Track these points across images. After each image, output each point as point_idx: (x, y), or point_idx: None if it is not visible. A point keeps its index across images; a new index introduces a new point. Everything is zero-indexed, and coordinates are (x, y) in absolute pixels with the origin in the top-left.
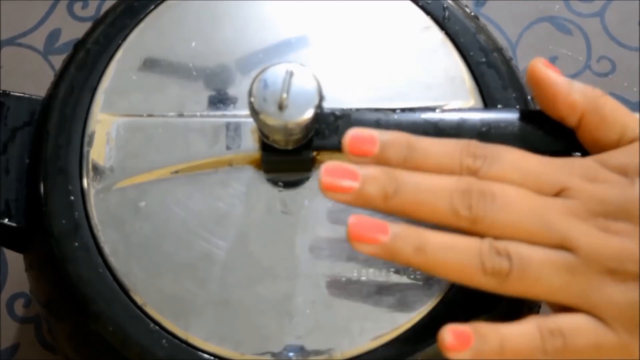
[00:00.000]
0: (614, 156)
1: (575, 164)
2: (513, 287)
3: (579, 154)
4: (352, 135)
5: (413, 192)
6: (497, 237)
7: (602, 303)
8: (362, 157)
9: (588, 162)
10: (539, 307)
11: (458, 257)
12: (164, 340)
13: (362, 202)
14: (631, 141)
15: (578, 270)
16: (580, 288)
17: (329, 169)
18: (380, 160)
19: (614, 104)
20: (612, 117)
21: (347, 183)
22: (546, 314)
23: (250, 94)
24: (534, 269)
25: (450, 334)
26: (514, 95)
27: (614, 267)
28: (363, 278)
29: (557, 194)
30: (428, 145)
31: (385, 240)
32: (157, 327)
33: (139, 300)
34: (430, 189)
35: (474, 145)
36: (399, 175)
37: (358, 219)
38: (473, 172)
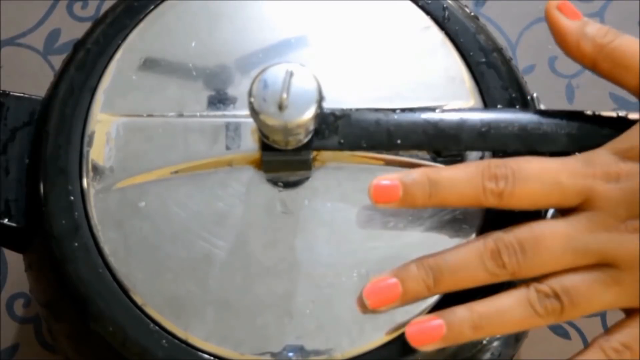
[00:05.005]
0: (629, 141)
1: (595, 162)
2: (572, 316)
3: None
4: (375, 186)
5: (451, 273)
6: (540, 278)
7: None
8: (389, 204)
9: (606, 157)
10: None
11: (512, 315)
12: (164, 340)
13: (411, 301)
14: None
15: (624, 279)
16: (633, 293)
17: (368, 291)
18: (406, 202)
19: (626, 48)
20: (624, 63)
21: (390, 295)
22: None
23: (250, 94)
24: (583, 296)
25: None
26: (513, 95)
27: None
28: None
29: (583, 202)
30: (448, 176)
31: (443, 334)
32: (157, 327)
33: (139, 300)
34: (464, 263)
35: (494, 165)
36: (432, 263)
37: (415, 327)
38: (497, 195)
